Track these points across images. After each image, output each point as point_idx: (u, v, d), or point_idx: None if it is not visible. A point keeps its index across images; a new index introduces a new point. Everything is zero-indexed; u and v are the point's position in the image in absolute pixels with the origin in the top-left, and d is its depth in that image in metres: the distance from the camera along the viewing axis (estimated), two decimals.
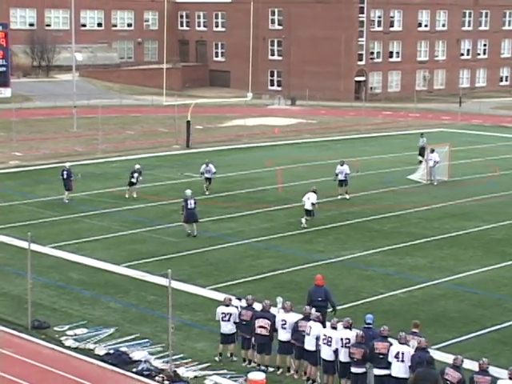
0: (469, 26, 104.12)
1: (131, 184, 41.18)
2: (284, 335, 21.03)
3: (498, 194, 42.80)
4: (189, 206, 34.18)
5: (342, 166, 41.49)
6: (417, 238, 34.16)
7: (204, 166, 42.39)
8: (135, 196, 41.15)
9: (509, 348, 22.77)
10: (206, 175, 42.26)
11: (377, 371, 19.20)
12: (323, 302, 22.83)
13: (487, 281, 28.77)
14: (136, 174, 41.22)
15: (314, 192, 36.19)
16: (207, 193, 41.78)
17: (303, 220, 35.55)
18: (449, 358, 18.63)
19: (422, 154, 50.68)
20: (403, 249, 32.55)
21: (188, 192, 34.69)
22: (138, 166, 42.02)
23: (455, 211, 38.95)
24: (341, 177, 41.51)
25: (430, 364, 18.17)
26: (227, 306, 21.95)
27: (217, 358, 21.79)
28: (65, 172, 40.24)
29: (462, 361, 18.26)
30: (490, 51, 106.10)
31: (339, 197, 41.16)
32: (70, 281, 28.41)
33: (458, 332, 23.80)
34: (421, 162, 49.03)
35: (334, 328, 20.10)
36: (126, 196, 41.07)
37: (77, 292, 27.23)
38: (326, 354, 20.05)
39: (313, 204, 35.71)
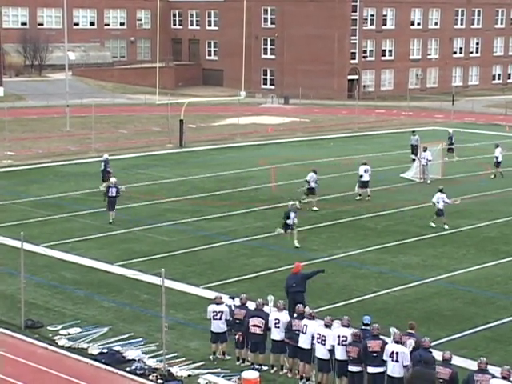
0: (461, 24, 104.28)
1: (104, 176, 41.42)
2: (277, 334, 21.03)
3: (490, 192, 42.88)
4: (109, 194, 35.85)
5: (364, 165, 41.27)
6: (410, 236, 34.21)
7: (312, 173, 39.26)
8: (101, 188, 40.60)
9: (502, 346, 22.82)
10: (311, 184, 38.97)
11: (370, 369, 19.22)
12: (298, 287, 23.55)
13: (480, 279, 28.82)
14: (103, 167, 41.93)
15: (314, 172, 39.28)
16: (304, 201, 38.65)
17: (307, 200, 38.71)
18: (440, 356, 18.66)
19: (414, 152, 50.77)
20: (396, 247, 32.59)
21: (112, 180, 36.55)
22: (105, 156, 43.13)
23: (448, 209, 38.92)
24: (366, 177, 41.41)
25: (427, 364, 18.16)
26: (218, 304, 21.94)
27: (211, 357, 21.79)
28: (103, 163, 41.88)
29: (451, 356, 18.28)
30: (483, 49, 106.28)
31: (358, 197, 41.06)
32: (63, 280, 28.38)
33: (451, 330, 23.84)
34: (414, 160, 49.07)
35: (328, 326, 20.11)
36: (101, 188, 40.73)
37: (70, 291, 27.20)
38: (321, 352, 20.07)
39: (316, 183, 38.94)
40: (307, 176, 39.45)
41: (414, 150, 51.03)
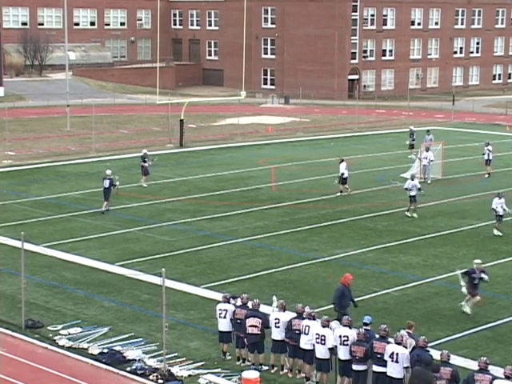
0: (462, 24, 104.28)
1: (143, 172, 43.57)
2: (277, 334, 21.02)
3: (490, 192, 42.83)
4: (105, 186, 37.66)
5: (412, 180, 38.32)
6: (410, 236, 34.20)
7: (409, 181, 38.03)
8: (145, 186, 43.22)
9: (502, 346, 22.81)
10: (411, 193, 37.53)
11: (375, 368, 19.22)
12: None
13: None
14: (144, 163, 43.35)
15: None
16: (412, 214, 37.48)
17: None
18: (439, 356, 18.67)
19: (427, 151, 51.05)
20: (397, 247, 32.59)
21: (107, 172, 38.41)
22: (144, 151, 44.57)
23: (449, 209, 39.00)
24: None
25: (426, 365, 18.15)
26: (225, 302, 21.97)
27: (222, 356, 21.84)
28: (141, 158, 43.53)
29: (449, 355, 18.28)
30: (483, 49, 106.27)
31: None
32: (63, 280, 28.38)
33: (451, 330, 23.84)
34: (419, 158, 49.38)
35: (325, 326, 20.11)
36: (144, 185, 43.32)
37: (70, 291, 27.20)
38: (320, 352, 20.08)
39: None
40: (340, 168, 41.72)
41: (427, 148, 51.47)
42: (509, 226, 35.98)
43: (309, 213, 38.16)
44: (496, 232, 34.72)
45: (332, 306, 23.57)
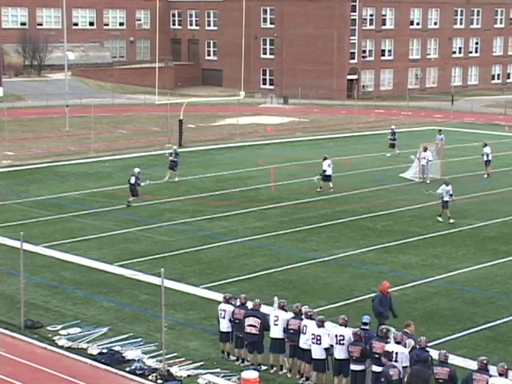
0: (461, 24, 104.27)
1: (172, 167, 44.92)
2: (276, 332, 21.00)
3: (489, 192, 42.88)
4: (131, 181, 39.23)
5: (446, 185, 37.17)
6: (409, 236, 34.20)
7: (444, 185, 36.91)
8: (176, 180, 44.78)
9: (502, 345, 22.81)
10: (445, 198, 36.57)
11: (374, 368, 19.21)
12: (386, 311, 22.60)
13: (480, 278, 28.81)
14: (172, 158, 44.93)
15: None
16: (448, 220, 36.33)
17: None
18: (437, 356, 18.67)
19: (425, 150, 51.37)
20: (396, 247, 32.58)
21: (135, 169, 40.07)
22: (175, 147, 47.13)
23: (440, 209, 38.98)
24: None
25: (424, 362, 18.18)
26: (225, 303, 21.97)
27: (221, 355, 21.88)
28: (173, 154, 45.21)
29: (446, 355, 18.29)
30: (482, 49, 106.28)
31: None
32: (62, 280, 28.37)
33: (450, 330, 23.84)
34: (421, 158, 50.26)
35: (321, 326, 20.11)
36: (172, 179, 44.82)
37: (70, 291, 27.18)
38: (316, 352, 20.09)
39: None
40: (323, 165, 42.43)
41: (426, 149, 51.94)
42: (508, 226, 36.02)
43: (308, 213, 38.16)
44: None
45: (331, 305, 23.56)
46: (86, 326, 23.89)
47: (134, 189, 39.38)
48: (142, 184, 40.14)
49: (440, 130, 55.09)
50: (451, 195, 36.55)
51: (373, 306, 22.37)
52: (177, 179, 45.12)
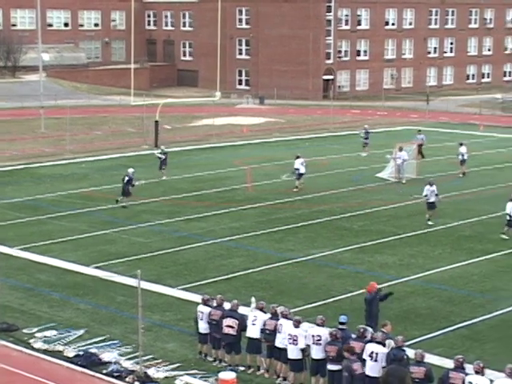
0: (435, 24, 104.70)
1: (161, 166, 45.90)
2: (253, 332, 20.96)
3: (465, 192, 43.09)
4: (124, 181, 39.37)
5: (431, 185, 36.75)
6: (386, 235, 34.30)
7: (428, 186, 36.66)
8: (164, 178, 45.60)
9: (478, 344, 22.92)
10: (431, 199, 36.37)
11: None
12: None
13: (456, 277, 28.95)
14: (162, 156, 45.86)
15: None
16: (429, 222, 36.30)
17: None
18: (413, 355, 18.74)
19: (420, 150, 52.14)
20: (372, 247, 32.67)
21: (129, 170, 40.30)
22: (162, 147, 47.35)
23: (424, 209, 39.09)
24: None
25: (400, 361, 18.25)
26: (203, 304, 21.92)
27: (199, 356, 21.83)
28: (162, 155, 46.12)
29: (423, 354, 18.36)
30: (457, 49, 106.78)
31: None
32: (38, 283, 28.20)
33: (427, 329, 23.93)
34: (423, 157, 51.95)
35: (297, 326, 20.12)
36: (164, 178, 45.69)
37: (45, 294, 27.03)
38: (292, 352, 20.10)
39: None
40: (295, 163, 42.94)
41: (420, 148, 52.63)
42: (483, 225, 36.21)
43: (285, 213, 38.19)
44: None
45: (308, 305, 23.58)
46: (62, 329, 23.76)
47: (126, 188, 39.47)
48: (136, 183, 40.38)
49: (420, 130, 55.35)
50: (437, 195, 36.47)
51: (366, 305, 22.54)
52: (164, 178, 45.71)
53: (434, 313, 25.38)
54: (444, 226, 35.90)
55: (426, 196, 36.46)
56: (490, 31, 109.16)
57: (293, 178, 43.50)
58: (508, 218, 33.80)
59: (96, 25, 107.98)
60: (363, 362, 18.96)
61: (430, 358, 20.05)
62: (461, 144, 48.63)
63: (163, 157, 46.03)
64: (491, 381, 17.63)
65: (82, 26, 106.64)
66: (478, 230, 35.31)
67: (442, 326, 24.28)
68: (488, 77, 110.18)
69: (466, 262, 30.66)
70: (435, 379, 18.14)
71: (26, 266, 29.96)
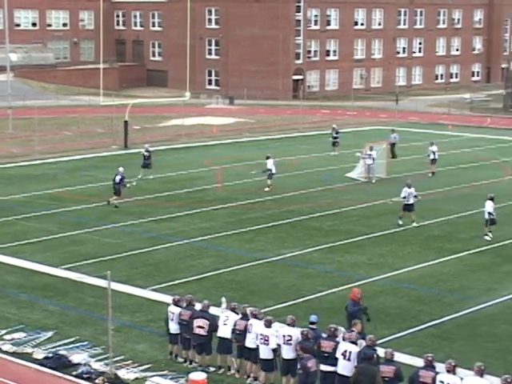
0: (404, 24, 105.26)
1: (145, 165, 45.98)
2: (224, 332, 20.94)
3: (433, 191, 43.34)
4: (115, 181, 39.40)
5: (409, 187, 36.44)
6: (355, 235, 34.41)
7: (406, 188, 36.38)
8: (151, 177, 45.82)
9: (447, 342, 23.07)
10: (410, 201, 36.10)
11: (323, 367, 19.29)
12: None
13: (425, 276, 29.12)
14: (147, 154, 46.02)
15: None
16: (403, 222, 36.15)
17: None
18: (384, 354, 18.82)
19: (393, 150, 53.04)
20: (342, 246, 32.77)
21: (120, 169, 40.15)
22: (146, 146, 47.23)
23: (393, 208, 39.29)
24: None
25: (369, 360, 18.34)
26: (174, 305, 21.88)
27: (169, 357, 21.79)
28: (146, 153, 46.26)
29: (392, 353, 18.46)
30: (426, 49, 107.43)
31: None
32: (6, 284, 27.99)
33: (397, 328, 24.04)
34: (394, 157, 52.72)
35: (268, 327, 20.15)
36: (146, 177, 45.65)
37: (14, 295, 26.83)
38: (264, 352, 20.12)
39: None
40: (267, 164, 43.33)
41: (393, 147, 53.42)
42: (452, 224, 36.45)
43: (255, 213, 38.21)
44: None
45: (279, 305, 23.58)
46: (31, 331, 23.60)
47: (117, 188, 39.46)
48: (128, 186, 40.29)
49: (393, 130, 55.61)
50: (415, 196, 36.29)
51: (347, 312, 21.95)
52: (151, 176, 46.05)
53: (404, 312, 25.52)
54: (413, 226, 36.04)
55: (404, 198, 36.32)
56: (458, 31, 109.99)
57: (264, 177, 43.50)
58: (487, 216, 33.90)
59: (64, 25, 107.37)
60: (333, 361, 19.04)
61: (399, 357, 20.16)
62: (432, 143, 48.95)
63: (147, 154, 46.16)
64: (461, 379, 17.75)
65: (50, 25, 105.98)
66: (446, 230, 35.53)
67: (412, 325, 24.41)
68: (456, 77, 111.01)
69: (435, 262, 30.85)
70: (405, 378, 18.25)
71: None
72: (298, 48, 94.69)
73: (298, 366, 19.25)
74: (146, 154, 46.25)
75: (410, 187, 36.20)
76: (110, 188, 40.77)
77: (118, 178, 39.59)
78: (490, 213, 33.78)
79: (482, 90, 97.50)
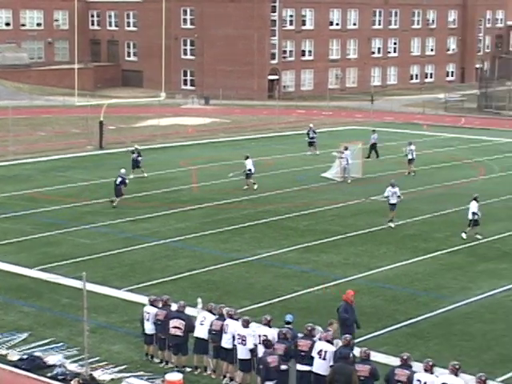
0: (379, 24, 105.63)
1: (136, 165, 46.21)
2: (201, 332, 20.90)
3: (408, 191, 43.46)
4: (116, 182, 39.57)
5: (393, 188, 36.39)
6: (331, 235, 34.48)
7: (390, 187, 36.34)
8: (146, 175, 46.28)
9: (422, 341, 23.17)
10: (392, 201, 35.99)
11: (299, 366, 19.33)
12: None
13: (400, 276, 29.23)
14: (135, 155, 46.14)
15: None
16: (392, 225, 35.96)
17: None
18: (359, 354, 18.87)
19: (375, 149, 53.74)
20: (318, 246, 32.82)
21: (122, 170, 40.36)
22: (136, 146, 47.62)
23: (369, 208, 39.47)
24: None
25: (345, 359, 18.39)
26: (149, 305, 21.82)
27: (145, 358, 21.73)
28: (135, 152, 46.53)
29: (367, 352, 18.51)
30: (400, 50, 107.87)
31: None
32: None
33: (372, 327, 24.10)
34: (376, 156, 53.31)
35: (246, 327, 20.16)
36: (140, 176, 45.93)
37: None
38: (241, 352, 20.12)
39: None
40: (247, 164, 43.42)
41: (374, 147, 53.82)
42: (426, 224, 36.60)
43: (231, 213, 38.20)
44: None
45: (255, 305, 23.57)
46: (6, 332, 23.45)
47: (118, 189, 39.46)
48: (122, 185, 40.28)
49: (374, 130, 55.72)
50: (399, 196, 36.24)
51: (338, 315, 21.94)
52: (146, 174, 46.39)
53: (379, 311, 25.60)
54: (388, 226, 36.15)
55: (386, 197, 36.37)
56: (432, 32, 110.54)
57: (242, 177, 43.56)
58: (471, 216, 33.97)
59: (38, 24, 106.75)
60: (309, 361, 19.09)
61: (375, 356, 20.23)
62: (410, 143, 49.17)
63: (136, 155, 46.28)
64: (436, 377, 17.83)
65: (23, 25, 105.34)
66: (421, 229, 35.67)
67: (387, 324, 24.49)
68: (431, 77, 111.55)
69: (410, 261, 30.97)
70: (381, 377, 18.31)
71: None
72: (273, 48, 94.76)
73: (257, 362, 19.29)
74: (134, 155, 46.37)
75: (393, 187, 36.28)
76: (85, 188, 40.61)
77: (118, 179, 39.67)
78: (474, 213, 33.96)
79: (457, 89, 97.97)
